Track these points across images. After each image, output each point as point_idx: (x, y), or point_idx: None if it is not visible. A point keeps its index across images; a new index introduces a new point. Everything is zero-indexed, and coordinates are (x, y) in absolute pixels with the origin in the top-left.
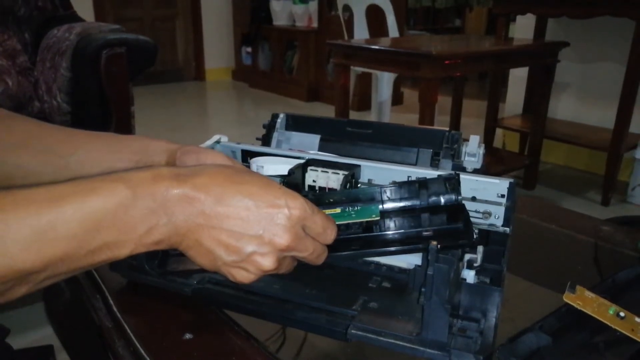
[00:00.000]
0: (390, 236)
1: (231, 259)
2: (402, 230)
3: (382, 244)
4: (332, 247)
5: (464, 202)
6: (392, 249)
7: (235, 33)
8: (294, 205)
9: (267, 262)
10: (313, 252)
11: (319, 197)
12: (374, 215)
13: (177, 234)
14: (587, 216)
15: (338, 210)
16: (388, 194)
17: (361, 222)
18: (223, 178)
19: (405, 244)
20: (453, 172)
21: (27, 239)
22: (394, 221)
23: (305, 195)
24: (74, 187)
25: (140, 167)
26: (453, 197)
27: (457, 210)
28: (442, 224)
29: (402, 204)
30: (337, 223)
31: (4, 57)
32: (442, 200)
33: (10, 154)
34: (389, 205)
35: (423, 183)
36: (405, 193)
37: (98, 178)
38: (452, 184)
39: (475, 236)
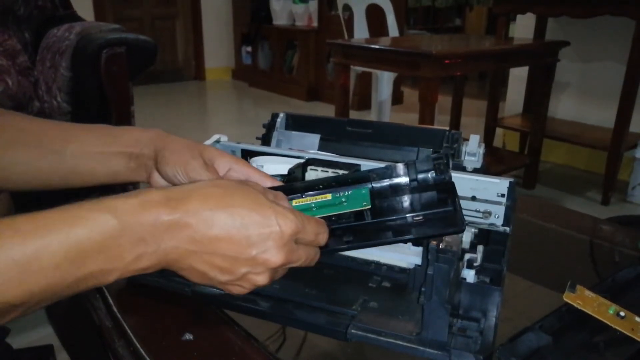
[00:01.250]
0: (381, 225)
1: (226, 279)
2: (393, 217)
3: (373, 233)
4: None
5: (464, 201)
6: (383, 240)
7: (235, 32)
8: (285, 224)
9: (261, 279)
10: (306, 259)
11: (309, 184)
12: (364, 204)
13: (165, 260)
14: (587, 215)
15: (329, 196)
16: (376, 175)
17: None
18: (214, 202)
19: (395, 231)
20: (440, 151)
21: (10, 272)
22: (384, 203)
23: (294, 186)
24: (60, 215)
25: (129, 193)
26: (443, 176)
27: (445, 190)
28: (431, 203)
29: (391, 181)
30: (328, 214)
31: (4, 57)
32: (430, 178)
33: (4, 151)
34: (377, 185)
35: (411, 163)
36: (394, 173)
37: (85, 206)
38: (439, 163)
39: (465, 223)
